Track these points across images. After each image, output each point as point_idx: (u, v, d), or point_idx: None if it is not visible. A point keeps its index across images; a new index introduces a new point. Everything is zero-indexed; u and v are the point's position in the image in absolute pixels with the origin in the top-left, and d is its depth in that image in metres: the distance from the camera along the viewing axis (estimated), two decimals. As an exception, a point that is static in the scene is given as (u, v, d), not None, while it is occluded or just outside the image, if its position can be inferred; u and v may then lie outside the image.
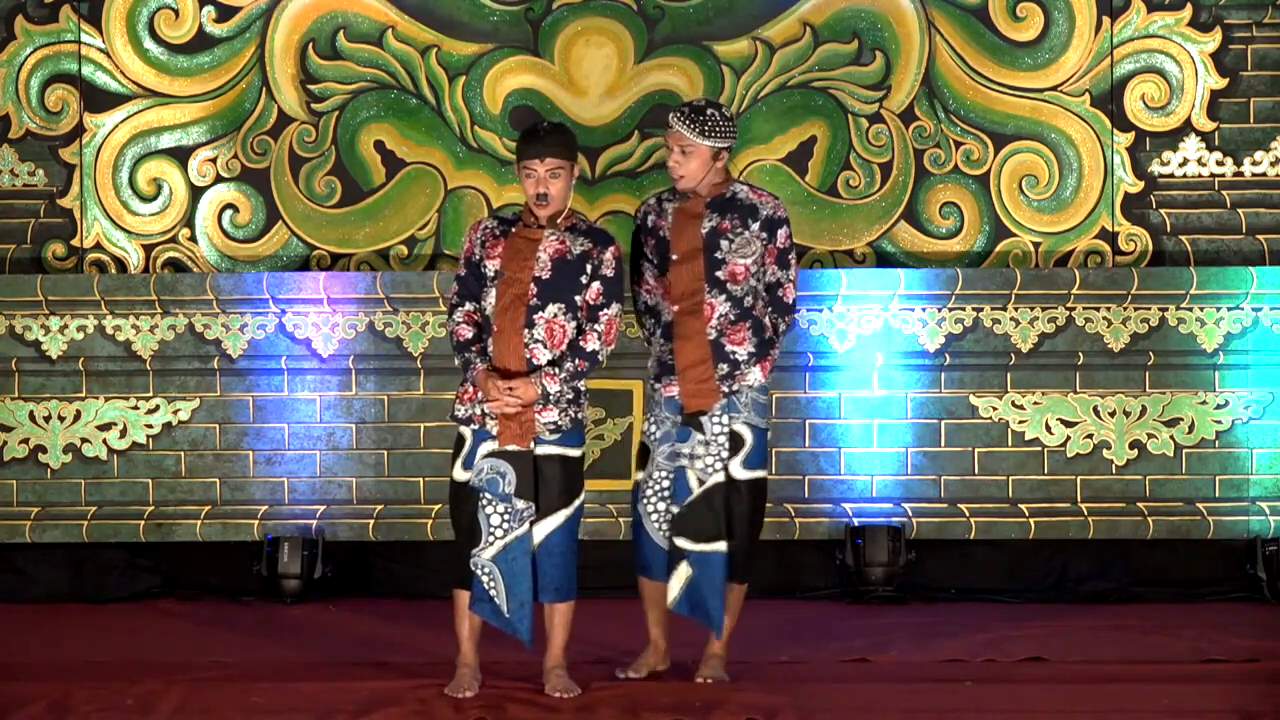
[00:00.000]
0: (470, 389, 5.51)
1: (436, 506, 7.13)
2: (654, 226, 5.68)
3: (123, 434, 7.28)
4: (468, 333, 5.52)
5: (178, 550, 7.31)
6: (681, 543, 5.53)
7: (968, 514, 7.19)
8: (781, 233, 5.64)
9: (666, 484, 5.59)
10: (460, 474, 5.53)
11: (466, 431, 5.53)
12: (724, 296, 5.56)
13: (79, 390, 7.29)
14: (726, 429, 5.55)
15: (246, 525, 7.23)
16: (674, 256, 5.59)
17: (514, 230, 5.55)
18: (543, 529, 5.48)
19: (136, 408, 7.29)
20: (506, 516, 5.44)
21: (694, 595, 5.54)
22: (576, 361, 5.47)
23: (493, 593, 5.45)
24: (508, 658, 5.75)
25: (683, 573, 5.53)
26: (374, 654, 6.16)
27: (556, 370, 5.45)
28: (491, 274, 5.51)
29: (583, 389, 5.56)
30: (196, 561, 7.34)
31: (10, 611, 7.03)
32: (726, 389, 5.55)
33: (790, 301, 5.68)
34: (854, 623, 6.69)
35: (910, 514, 7.19)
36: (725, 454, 5.55)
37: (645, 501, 5.62)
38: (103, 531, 7.25)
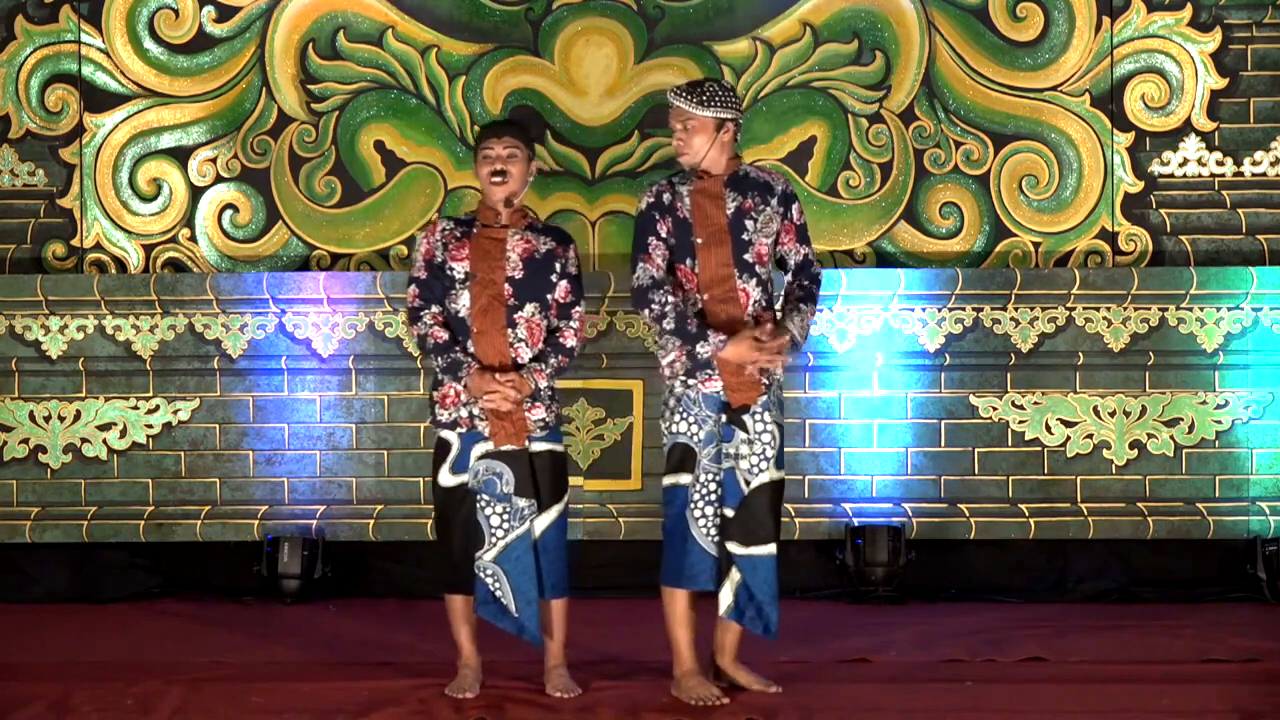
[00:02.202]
0: (452, 393, 5.48)
1: (436, 506, 7.14)
2: (670, 205, 5.43)
3: (123, 434, 7.28)
4: (444, 334, 5.48)
5: (178, 550, 7.31)
6: (733, 547, 5.32)
7: (968, 514, 7.19)
8: (796, 207, 5.51)
9: (714, 487, 5.35)
10: (447, 479, 5.52)
11: (451, 436, 5.51)
12: (754, 281, 5.38)
13: (79, 390, 7.29)
14: (769, 426, 5.36)
15: (246, 525, 7.23)
16: (698, 240, 5.39)
17: (475, 231, 5.55)
18: (539, 525, 5.48)
19: (136, 408, 7.29)
20: (506, 516, 5.44)
21: (744, 601, 5.38)
22: (559, 358, 5.50)
23: (498, 593, 5.44)
24: (507, 657, 5.75)
25: (734, 579, 5.34)
26: (374, 654, 6.16)
27: (543, 366, 5.46)
28: (460, 276, 5.49)
29: (556, 386, 5.58)
30: (196, 561, 7.33)
31: (10, 611, 7.03)
32: (766, 381, 5.37)
33: (821, 276, 5.53)
34: (854, 623, 6.69)
35: (910, 514, 7.19)
36: (771, 452, 5.34)
37: (693, 507, 5.35)
38: (103, 531, 7.25)
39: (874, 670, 5.91)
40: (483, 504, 5.45)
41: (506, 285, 5.47)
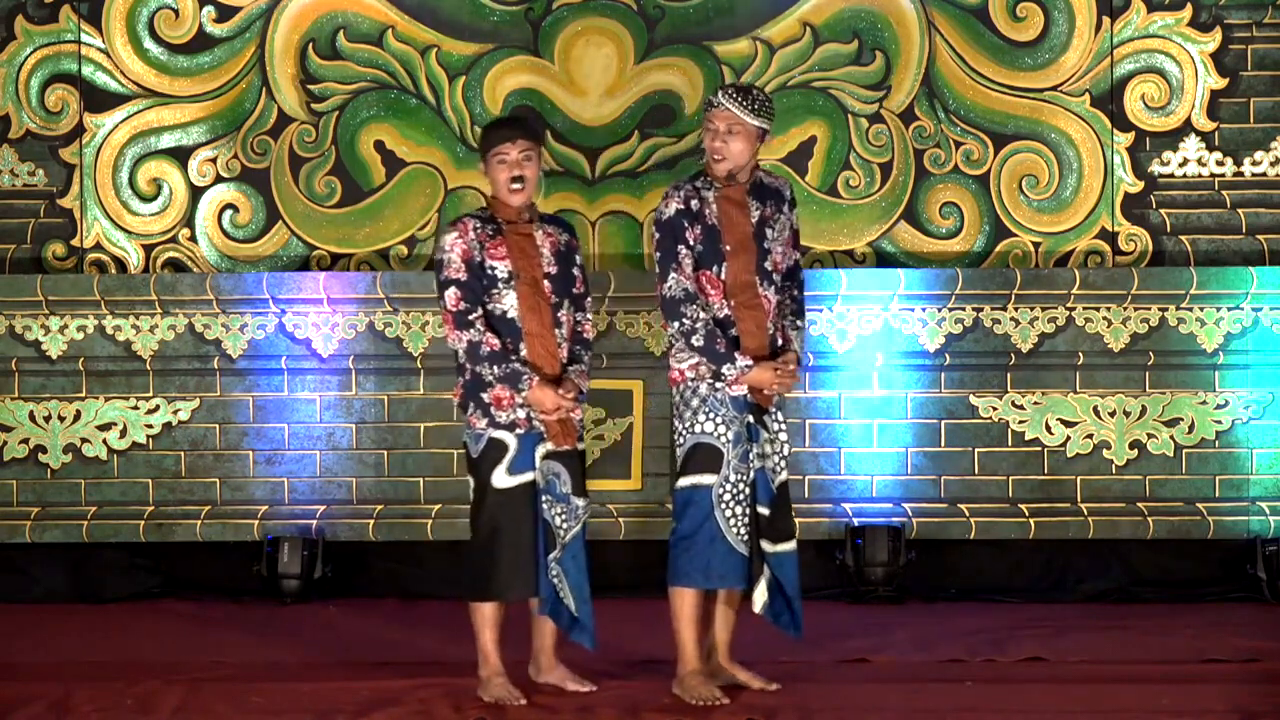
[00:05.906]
0: (509, 395, 5.39)
1: (436, 506, 7.14)
2: (699, 212, 5.40)
3: (123, 434, 7.28)
4: (497, 340, 5.37)
5: (178, 550, 7.31)
6: (764, 545, 5.42)
7: (968, 514, 7.19)
8: (796, 212, 5.64)
9: (743, 487, 5.40)
10: (504, 481, 5.42)
11: (508, 437, 5.41)
12: (772, 289, 5.45)
13: (79, 390, 7.29)
14: (784, 426, 5.49)
15: (246, 525, 7.23)
16: (726, 248, 5.40)
17: (503, 228, 5.48)
18: None
19: (136, 408, 7.29)
20: (565, 516, 5.42)
21: (778, 602, 5.46)
22: (589, 354, 5.52)
23: (561, 593, 5.42)
24: (505, 657, 5.74)
25: (767, 576, 5.43)
26: (374, 654, 6.16)
27: (584, 368, 5.47)
28: (505, 274, 5.41)
29: None
30: (196, 561, 7.33)
31: (10, 611, 7.03)
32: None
33: (805, 281, 5.67)
34: (854, 623, 6.69)
35: (910, 514, 7.19)
36: (788, 451, 5.48)
37: (724, 507, 5.39)
38: (103, 531, 7.25)
39: (874, 670, 5.92)
40: (546, 504, 5.42)
41: (546, 282, 5.45)
